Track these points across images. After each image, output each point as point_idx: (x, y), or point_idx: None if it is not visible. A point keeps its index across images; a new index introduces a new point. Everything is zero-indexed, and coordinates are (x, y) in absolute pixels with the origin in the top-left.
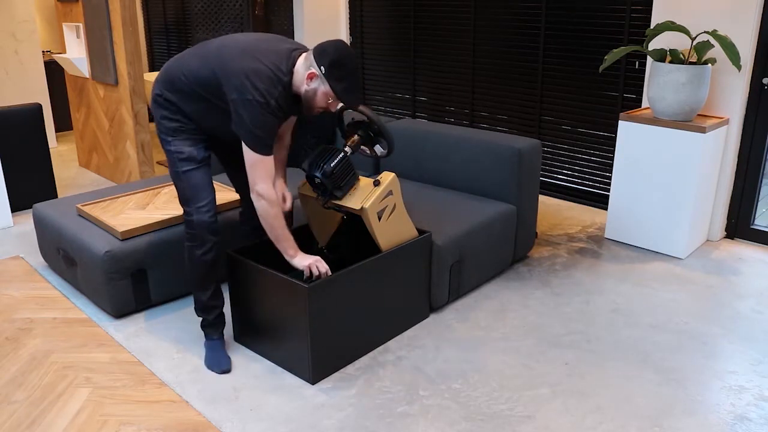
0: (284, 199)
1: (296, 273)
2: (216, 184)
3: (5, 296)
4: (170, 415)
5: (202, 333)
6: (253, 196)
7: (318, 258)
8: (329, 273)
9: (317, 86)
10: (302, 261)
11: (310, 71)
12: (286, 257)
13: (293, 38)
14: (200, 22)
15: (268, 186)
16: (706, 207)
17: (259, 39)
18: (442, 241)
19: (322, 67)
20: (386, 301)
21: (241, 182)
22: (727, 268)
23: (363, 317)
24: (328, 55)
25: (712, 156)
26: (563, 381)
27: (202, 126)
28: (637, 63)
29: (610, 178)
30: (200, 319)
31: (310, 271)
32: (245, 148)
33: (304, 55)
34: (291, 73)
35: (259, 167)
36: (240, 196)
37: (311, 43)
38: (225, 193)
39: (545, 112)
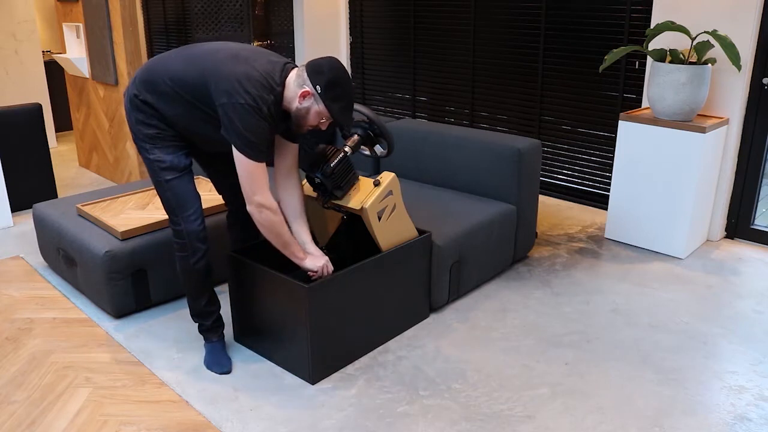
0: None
1: (296, 273)
2: (201, 180)
3: (5, 296)
4: (170, 415)
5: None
6: (251, 209)
7: (327, 258)
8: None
9: (310, 105)
10: (315, 262)
11: (303, 89)
12: (296, 261)
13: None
14: (200, 22)
15: (268, 195)
16: (706, 207)
17: (251, 48)
18: (442, 241)
19: (317, 87)
20: (386, 301)
21: (225, 185)
22: (727, 268)
23: (363, 317)
24: (323, 74)
25: (712, 156)
26: (563, 381)
27: (181, 133)
28: (637, 63)
29: (610, 178)
30: (198, 324)
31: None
32: (237, 156)
33: (295, 70)
34: (283, 85)
35: (255, 176)
36: (224, 199)
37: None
38: (209, 195)
39: (545, 112)
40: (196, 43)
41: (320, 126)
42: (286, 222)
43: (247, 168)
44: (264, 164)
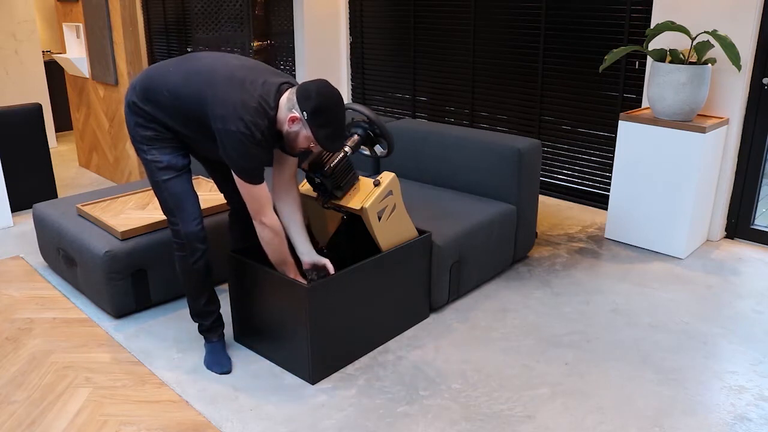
0: (325, 267)
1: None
2: (202, 180)
3: (5, 296)
4: (170, 415)
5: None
6: (255, 224)
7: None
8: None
9: (299, 129)
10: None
11: (292, 114)
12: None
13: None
14: (200, 22)
15: (271, 214)
16: (706, 207)
17: (250, 67)
18: (442, 241)
19: (304, 113)
20: (386, 301)
21: (228, 187)
22: (727, 268)
23: (363, 317)
24: (311, 99)
25: (712, 156)
26: (563, 381)
27: (177, 135)
28: (637, 63)
29: (610, 178)
30: (197, 324)
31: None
32: (236, 177)
33: (287, 93)
34: (276, 107)
35: (256, 197)
36: (226, 198)
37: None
38: (210, 195)
39: (545, 112)
40: (196, 55)
41: (312, 149)
42: (286, 232)
43: (246, 189)
44: (264, 184)
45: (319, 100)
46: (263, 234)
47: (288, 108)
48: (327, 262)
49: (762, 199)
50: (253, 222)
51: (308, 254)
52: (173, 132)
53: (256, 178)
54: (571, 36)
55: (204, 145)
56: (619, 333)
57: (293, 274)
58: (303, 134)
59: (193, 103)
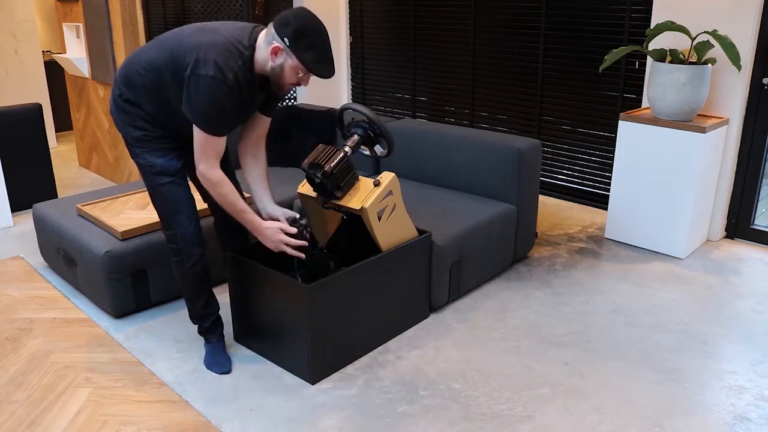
0: (285, 221)
1: (296, 273)
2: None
3: (5, 296)
4: (170, 415)
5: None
6: (198, 174)
7: (277, 227)
8: (301, 243)
9: (283, 61)
10: (272, 236)
11: (273, 45)
12: (250, 229)
13: None
14: (200, 21)
15: (212, 168)
16: (706, 207)
17: (220, 22)
18: (442, 241)
19: (285, 39)
20: (386, 301)
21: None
22: (727, 268)
23: (363, 317)
24: (290, 24)
25: (712, 156)
26: (563, 381)
27: (167, 129)
28: (637, 63)
29: (610, 178)
30: (197, 325)
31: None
32: (195, 128)
33: (264, 31)
34: (253, 48)
35: (207, 146)
36: (209, 206)
37: None
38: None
39: (545, 112)
40: (164, 33)
41: (301, 82)
42: (249, 186)
43: (201, 137)
44: (219, 139)
45: (298, 22)
46: (205, 184)
47: (267, 42)
48: (282, 213)
49: (762, 199)
50: (196, 171)
51: (266, 209)
52: (160, 128)
53: (216, 128)
54: (571, 36)
55: (188, 128)
56: (619, 333)
57: (251, 224)
58: (289, 65)
59: (167, 66)
